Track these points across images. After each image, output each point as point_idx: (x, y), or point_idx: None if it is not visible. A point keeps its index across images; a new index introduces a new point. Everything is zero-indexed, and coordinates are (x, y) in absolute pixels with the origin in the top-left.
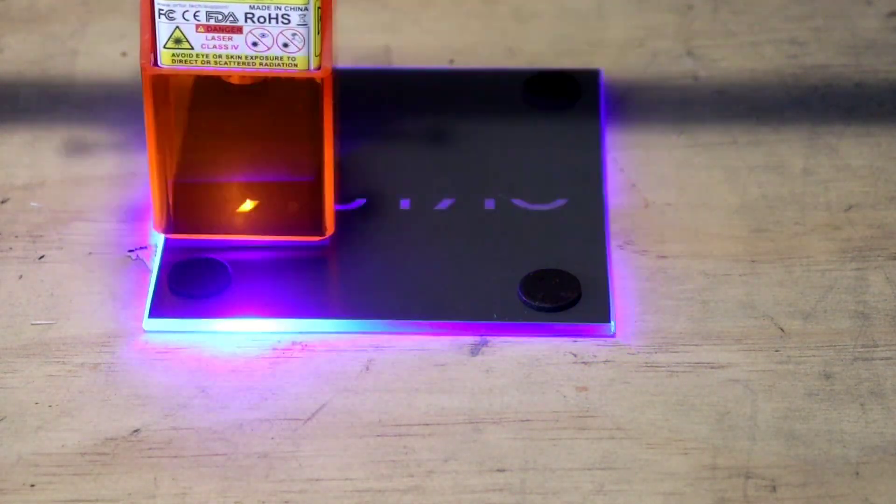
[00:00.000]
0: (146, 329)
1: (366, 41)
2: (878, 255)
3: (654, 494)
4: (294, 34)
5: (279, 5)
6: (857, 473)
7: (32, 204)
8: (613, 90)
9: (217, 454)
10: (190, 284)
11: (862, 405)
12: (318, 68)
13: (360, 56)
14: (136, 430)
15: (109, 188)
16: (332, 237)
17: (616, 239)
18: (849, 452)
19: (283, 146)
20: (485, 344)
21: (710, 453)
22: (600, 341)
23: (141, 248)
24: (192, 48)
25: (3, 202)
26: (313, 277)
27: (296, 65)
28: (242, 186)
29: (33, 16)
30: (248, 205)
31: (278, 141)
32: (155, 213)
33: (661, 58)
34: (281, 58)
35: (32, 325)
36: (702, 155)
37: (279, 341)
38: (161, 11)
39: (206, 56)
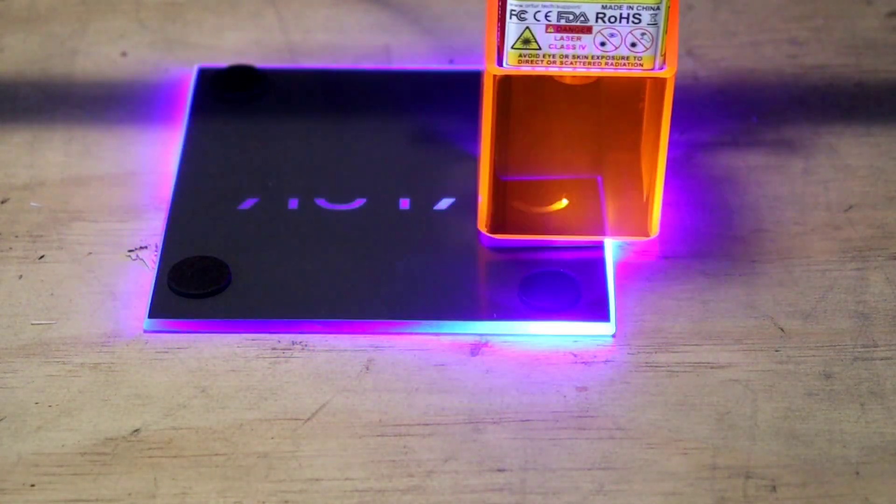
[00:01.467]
0: (146, 329)
1: (366, 41)
2: (878, 255)
3: (654, 494)
4: (643, 34)
5: (631, 5)
6: (857, 473)
7: (32, 204)
8: None
9: (217, 454)
10: (190, 284)
11: (862, 405)
12: (663, 67)
13: (360, 56)
14: (136, 430)
15: (109, 188)
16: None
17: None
18: (849, 452)
19: (609, 145)
20: (485, 344)
21: (710, 453)
22: (600, 341)
23: (141, 247)
24: (540, 48)
25: (3, 202)
26: (313, 277)
27: (641, 64)
28: (565, 185)
29: (33, 16)
30: (562, 203)
31: (605, 139)
32: (482, 214)
33: None
34: (628, 57)
35: (32, 325)
36: (702, 155)
37: (279, 341)
38: (513, 12)
39: (553, 56)
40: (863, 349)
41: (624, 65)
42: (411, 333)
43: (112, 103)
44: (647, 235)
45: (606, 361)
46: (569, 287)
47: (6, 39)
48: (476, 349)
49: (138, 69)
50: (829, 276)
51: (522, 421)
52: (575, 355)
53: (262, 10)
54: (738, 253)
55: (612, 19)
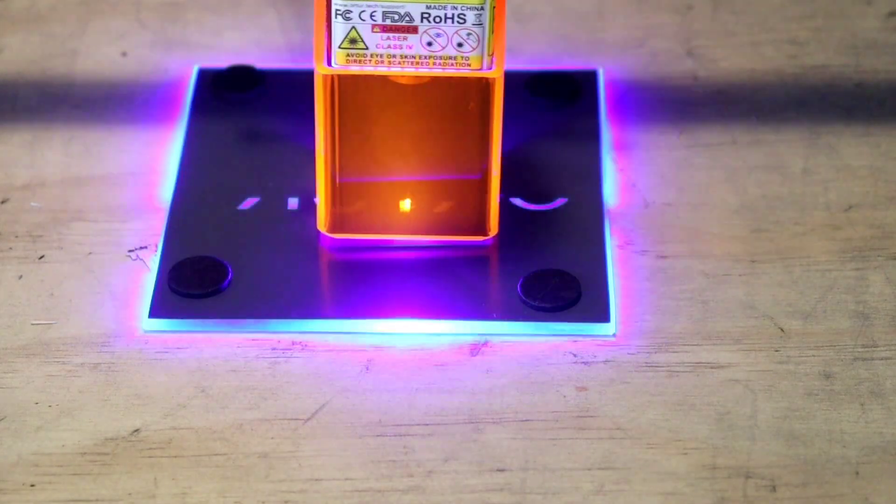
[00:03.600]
0: (146, 329)
1: None
2: (878, 255)
3: (654, 494)
4: (469, 34)
5: (455, 5)
6: (857, 473)
7: (32, 204)
8: (613, 90)
9: (217, 454)
10: (190, 284)
11: (862, 405)
12: (491, 68)
13: None
14: (136, 430)
15: (109, 188)
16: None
17: (616, 239)
18: (849, 452)
19: (448, 145)
20: (485, 344)
21: (710, 453)
22: (600, 341)
23: (141, 247)
24: (367, 48)
25: (3, 202)
26: (313, 277)
27: (469, 64)
28: (405, 186)
29: (33, 16)
30: (406, 204)
31: (443, 140)
32: (320, 213)
33: (661, 58)
34: (455, 57)
35: (32, 325)
36: (702, 155)
37: (279, 341)
38: (338, 12)
39: (381, 56)
40: (863, 349)
41: (452, 65)
42: (411, 333)
43: (112, 103)
44: (486, 235)
45: (606, 361)
46: (569, 287)
47: (6, 39)
48: (476, 349)
49: (138, 69)
50: (829, 276)
51: (522, 421)
52: (575, 355)
53: (262, 10)
54: (738, 253)
55: (438, 19)
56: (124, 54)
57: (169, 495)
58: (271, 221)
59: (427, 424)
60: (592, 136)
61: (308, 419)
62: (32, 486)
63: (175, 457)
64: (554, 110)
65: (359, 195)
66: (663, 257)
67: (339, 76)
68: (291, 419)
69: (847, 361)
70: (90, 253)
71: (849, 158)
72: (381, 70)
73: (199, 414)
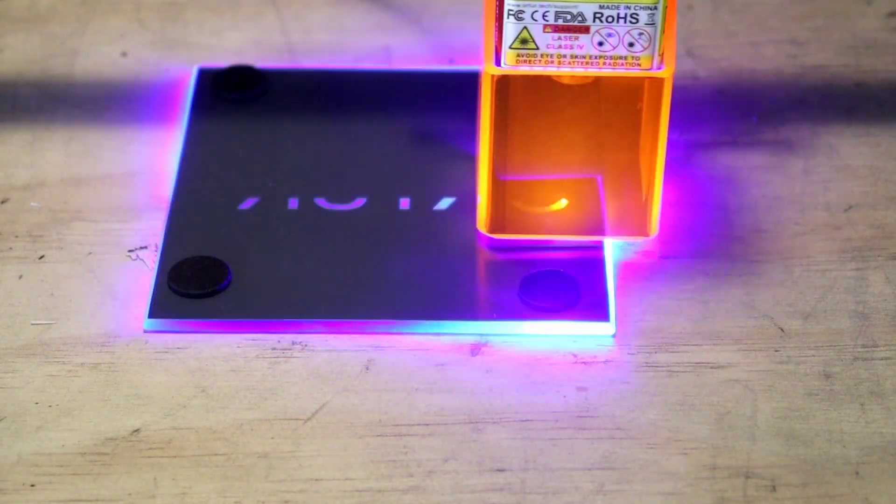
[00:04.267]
0: (146, 329)
1: (366, 41)
2: (878, 255)
3: (654, 494)
4: (641, 33)
5: (628, 5)
6: (857, 473)
7: (32, 204)
8: None
9: (217, 454)
10: (190, 284)
11: (862, 405)
12: (661, 67)
13: (361, 56)
14: (136, 430)
15: (109, 188)
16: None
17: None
18: (849, 452)
19: (608, 145)
20: (485, 344)
21: (709, 453)
22: (600, 341)
23: (141, 247)
24: (538, 48)
25: (3, 202)
26: (313, 277)
27: (639, 64)
28: (562, 185)
29: (33, 16)
30: (562, 203)
31: (604, 139)
32: (481, 214)
33: None
34: (625, 57)
35: (32, 325)
36: (702, 155)
37: (279, 341)
38: (510, 12)
39: (551, 56)
40: (863, 349)
41: (622, 65)
42: (411, 333)
43: (112, 103)
44: (647, 235)
45: (606, 361)
46: (569, 287)
47: (6, 39)
48: (476, 349)
49: (138, 69)
50: (829, 276)
51: (522, 421)
52: (575, 355)
53: (262, 10)
54: (738, 253)
55: (610, 19)
56: (124, 54)
57: (169, 495)
58: (271, 221)
59: (427, 424)
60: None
61: (308, 419)
62: (32, 486)
63: (175, 457)
64: None
65: (519, 194)
66: (663, 257)
67: (508, 76)
68: (291, 419)
69: (847, 361)
70: (90, 253)
71: (849, 158)
72: (551, 70)
73: (199, 414)
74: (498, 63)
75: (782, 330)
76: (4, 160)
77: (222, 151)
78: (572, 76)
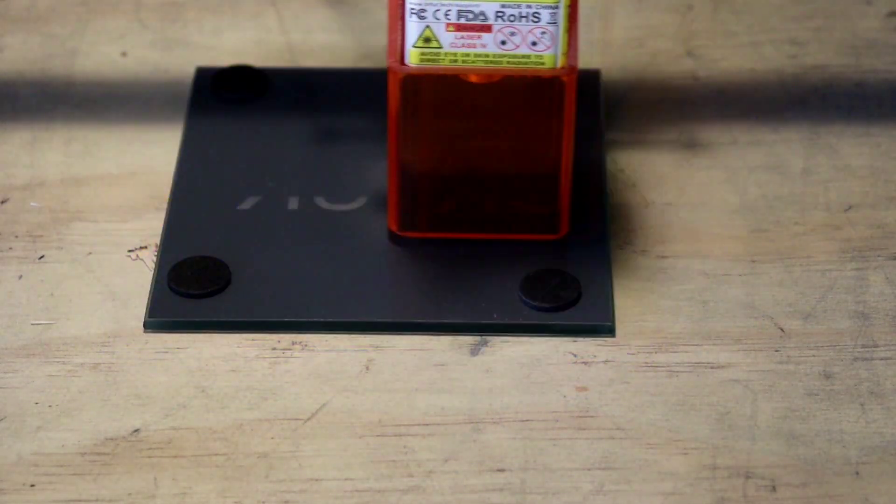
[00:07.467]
0: (146, 329)
1: (366, 41)
2: (878, 255)
3: (654, 494)
4: (543, 32)
5: (530, 4)
6: (857, 473)
7: (32, 204)
8: (613, 90)
9: (217, 454)
10: (190, 284)
11: (862, 405)
12: (565, 67)
13: (360, 56)
14: (136, 430)
15: (109, 188)
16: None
17: (616, 239)
18: (849, 452)
19: (518, 145)
20: (485, 344)
21: (710, 453)
22: (600, 341)
23: (141, 247)
24: (441, 47)
25: (3, 202)
26: (313, 277)
27: (543, 63)
28: (475, 185)
29: (33, 16)
30: (475, 202)
31: (513, 139)
32: (391, 212)
33: (661, 58)
34: (528, 56)
35: (32, 325)
36: (702, 155)
37: (279, 341)
38: (412, 10)
39: (455, 55)
40: (863, 349)
41: (525, 64)
42: (411, 333)
43: (112, 103)
44: (557, 234)
45: (606, 361)
46: (569, 287)
47: (6, 39)
48: (476, 349)
49: (138, 69)
50: (829, 276)
51: (522, 421)
52: (575, 355)
53: (262, 10)
54: (738, 253)
55: (512, 18)
56: (124, 54)
57: (169, 495)
58: (271, 221)
59: (427, 424)
60: (593, 136)
61: (308, 419)
62: (32, 486)
63: (175, 457)
64: None
65: (428, 194)
66: (663, 257)
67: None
68: (291, 419)
69: (847, 361)
70: (90, 253)
71: (849, 158)
72: (456, 69)
73: (199, 414)
74: (403, 62)
75: (782, 330)
76: (4, 160)
77: (222, 151)
78: (479, 75)
